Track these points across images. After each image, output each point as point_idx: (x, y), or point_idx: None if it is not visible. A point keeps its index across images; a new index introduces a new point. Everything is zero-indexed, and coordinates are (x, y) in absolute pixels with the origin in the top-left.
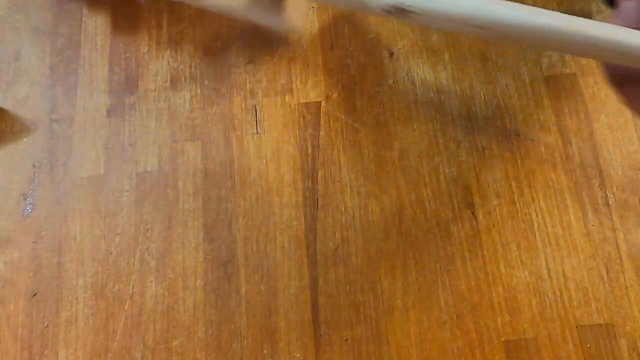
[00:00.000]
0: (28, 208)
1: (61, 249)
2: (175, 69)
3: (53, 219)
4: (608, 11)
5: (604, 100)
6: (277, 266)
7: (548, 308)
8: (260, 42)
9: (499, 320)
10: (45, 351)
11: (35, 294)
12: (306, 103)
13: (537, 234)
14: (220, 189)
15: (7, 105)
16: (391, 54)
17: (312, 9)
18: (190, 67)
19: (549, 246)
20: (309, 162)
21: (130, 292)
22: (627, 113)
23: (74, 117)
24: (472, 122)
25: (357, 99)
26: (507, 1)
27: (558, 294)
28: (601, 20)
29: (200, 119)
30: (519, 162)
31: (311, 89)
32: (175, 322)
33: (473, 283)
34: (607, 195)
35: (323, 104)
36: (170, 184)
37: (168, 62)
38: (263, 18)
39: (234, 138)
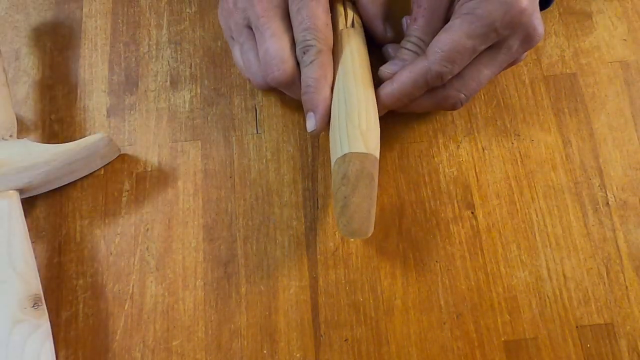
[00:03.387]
0: (28, 208)
1: (61, 249)
2: (175, 69)
3: (53, 219)
4: (609, 11)
5: (604, 100)
6: (277, 266)
7: (548, 308)
8: None
9: (499, 320)
10: None
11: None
12: None
13: (537, 234)
14: (220, 189)
15: None
16: None
17: None
18: (190, 67)
19: (549, 246)
20: (309, 162)
21: (130, 292)
22: (627, 113)
23: (74, 117)
24: (472, 122)
25: None
26: None
27: (558, 294)
28: (602, 20)
29: (200, 119)
30: (519, 162)
31: None
32: (175, 322)
33: (473, 283)
34: (607, 195)
35: None
36: (170, 184)
37: (168, 62)
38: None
39: (234, 138)
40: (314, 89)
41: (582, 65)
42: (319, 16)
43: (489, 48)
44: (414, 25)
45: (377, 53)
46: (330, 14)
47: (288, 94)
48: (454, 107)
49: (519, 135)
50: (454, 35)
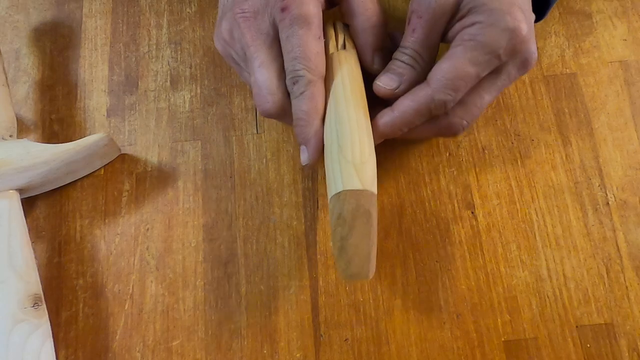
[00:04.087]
0: (28, 208)
1: (61, 249)
2: (175, 69)
3: (53, 219)
4: (608, 11)
5: (604, 100)
6: (277, 266)
7: (548, 308)
8: None
9: (499, 320)
10: None
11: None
12: None
13: (537, 234)
14: (220, 189)
15: None
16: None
17: None
18: (190, 67)
19: (549, 246)
20: None
21: (130, 292)
22: (627, 113)
23: (74, 117)
24: None
25: None
26: None
27: (558, 293)
28: (601, 20)
29: (200, 119)
30: (519, 162)
31: None
32: (175, 322)
33: (473, 283)
34: (607, 195)
35: None
36: (170, 184)
37: (168, 62)
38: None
39: (234, 138)
40: (305, 122)
41: (582, 65)
42: (309, 44)
43: (489, 74)
44: (412, 37)
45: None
46: (323, 41)
47: (286, 125)
48: (455, 135)
49: (519, 135)
50: (457, 63)
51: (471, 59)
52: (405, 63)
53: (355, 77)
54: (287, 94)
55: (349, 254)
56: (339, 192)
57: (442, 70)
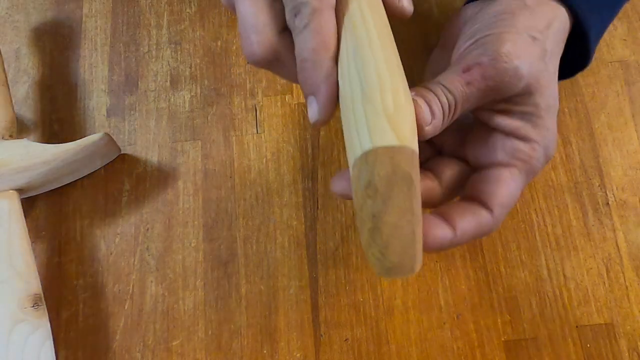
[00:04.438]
0: (28, 208)
1: (61, 249)
2: (175, 69)
3: (53, 219)
4: None
5: (604, 100)
6: (277, 266)
7: (548, 308)
8: None
9: (499, 320)
10: None
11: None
12: None
13: (537, 234)
14: (220, 189)
15: None
16: None
17: None
18: (190, 67)
19: (549, 246)
20: (309, 162)
21: (130, 292)
22: (627, 113)
23: (74, 117)
24: None
25: None
26: None
27: (558, 293)
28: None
29: (200, 119)
30: None
31: None
32: (175, 322)
33: (473, 283)
34: (607, 195)
35: None
36: (170, 184)
37: (168, 62)
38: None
39: (234, 138)
40: (312, 63)
41: None
42: None
43: None
44: (465, 89)
45: None
46: None
47: (283, 78)
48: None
49: None
50: (516, 191)
51: (524, 184)
52: (442, 105)
53: (376, 6)
54: (281, 34)
55: (384, 238)
56: (366, 152)
57: (504, 198)
